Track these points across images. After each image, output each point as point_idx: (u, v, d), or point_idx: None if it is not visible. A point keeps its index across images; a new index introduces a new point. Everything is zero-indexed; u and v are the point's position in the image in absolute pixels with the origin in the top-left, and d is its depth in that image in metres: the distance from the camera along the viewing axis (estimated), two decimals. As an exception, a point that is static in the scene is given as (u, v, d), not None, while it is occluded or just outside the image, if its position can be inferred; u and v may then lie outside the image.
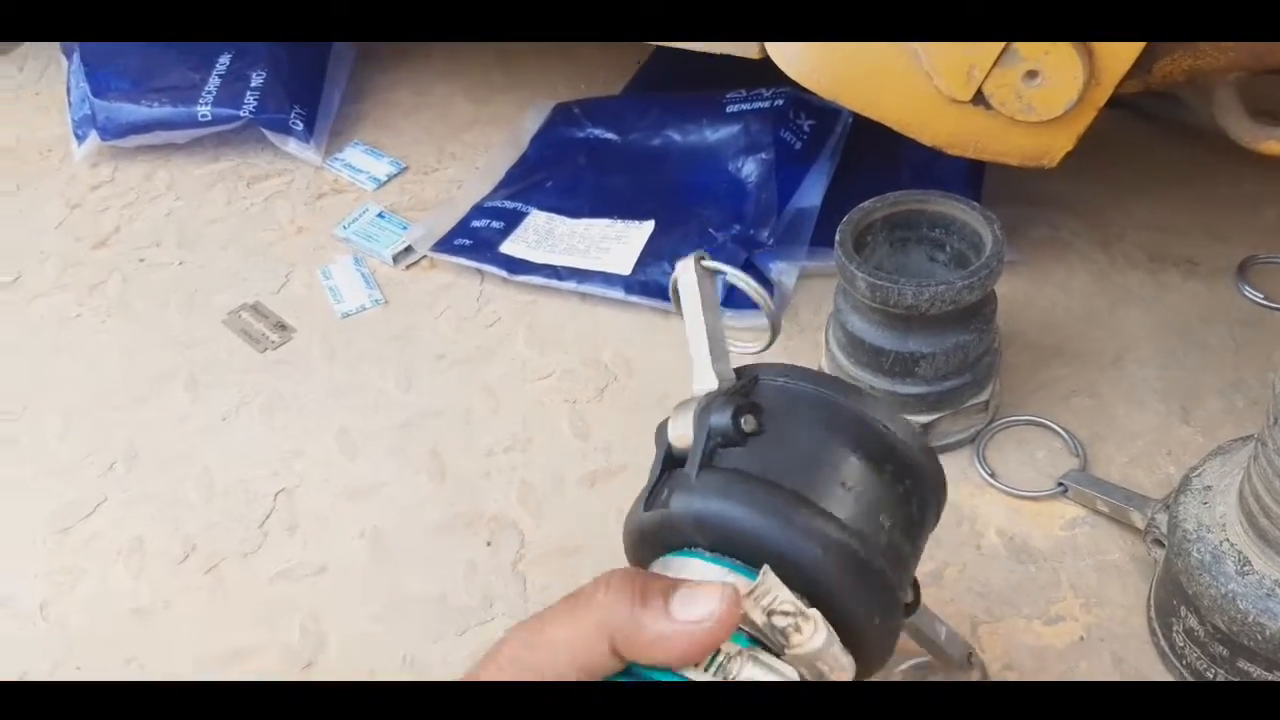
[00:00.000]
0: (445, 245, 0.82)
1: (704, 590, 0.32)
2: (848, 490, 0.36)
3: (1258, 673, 0.49)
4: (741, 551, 0.35)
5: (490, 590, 0.62)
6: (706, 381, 0.41)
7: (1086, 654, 0.56)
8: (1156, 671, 0.54)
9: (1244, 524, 0.48)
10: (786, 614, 0.33)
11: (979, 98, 0.64)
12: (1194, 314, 0.73)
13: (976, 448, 0.65)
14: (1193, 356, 0.70)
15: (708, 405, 0.38)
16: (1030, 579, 0.59)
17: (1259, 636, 0.47)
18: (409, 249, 0.83)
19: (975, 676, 0.42)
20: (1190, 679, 0.52)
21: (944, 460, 0.64)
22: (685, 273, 0.44)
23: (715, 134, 0.84)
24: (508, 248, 0.80)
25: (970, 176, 0.78)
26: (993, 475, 0.63)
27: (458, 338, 0.77)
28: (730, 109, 0.84)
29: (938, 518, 0.41)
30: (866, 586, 0.35)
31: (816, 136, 0.82)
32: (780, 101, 0.82)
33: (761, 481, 0.35)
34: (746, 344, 0.46)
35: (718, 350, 0.44)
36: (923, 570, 0.56)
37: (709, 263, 0.44)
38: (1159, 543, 0.54)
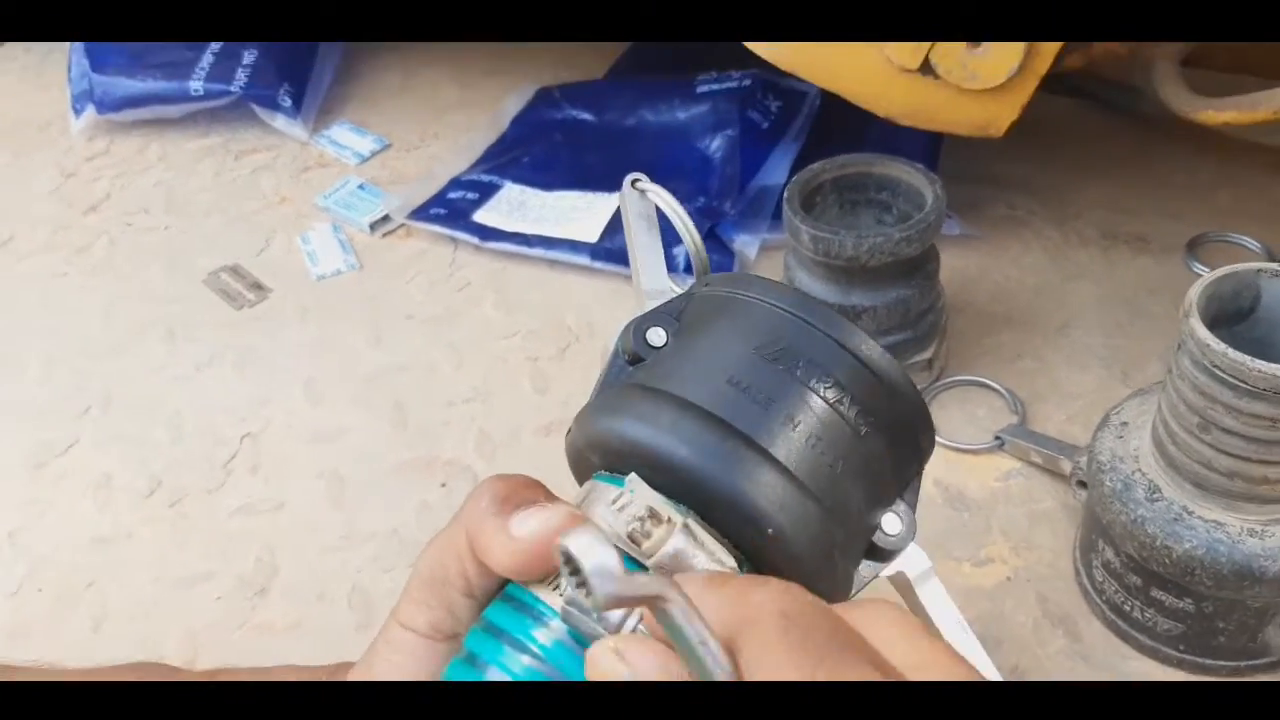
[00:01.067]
0: (421, 214, 0.84)
1: (541, 510, 0.31)
2: (737, 388, 0.31)
3: (1169, 600, 0.50)
4: (626, 464, 0.31)
5: (440, 526, 0.63)
6: (641, 304, 0.41)
7: (1012, 592, 0.57)
8: (1078, 608, 0.56)
9: (1155, 454, 0.50)
10: (640, 519, 0.30)
11: (926, 67, 0.66)
12: (1142, 287, 0.75)
13: (920, 404, 0.66)
14: (1137, 325, 0.72)
15: (626, 326, 0.35)
16: (963, 525, 0.61)
17: (1166, 560, 0.48)
18: (386, 218, 0.86)
19: None
20: (1109, 613, 0.54)
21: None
22: (623, 196, 0.44)
23: (685, 113, 0.86)
24: (480, 217, 0.83)
25: (929, 154, 0.80)
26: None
27: (427, 300, 0.80)
28: (700, 89, 0.86)
29: (903, 434, 0.33)
30: (753, 488, 0.30)
31: (783, 117, 0.85)
32: (748, 82, 0.85)
33: (641, 389, 0.32)
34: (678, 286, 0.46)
35: (650, 272, 0.43)
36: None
37: (643, 184, 0.43)
38: (1082, 484, 0.55)
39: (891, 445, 0.32)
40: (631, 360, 0.34)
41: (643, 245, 0.42)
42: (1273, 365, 0.43)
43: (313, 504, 0.66)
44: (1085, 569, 0.55)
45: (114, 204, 0.91)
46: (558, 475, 0.37)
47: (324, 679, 0.39)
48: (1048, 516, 0.60)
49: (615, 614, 0.28)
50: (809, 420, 0.31)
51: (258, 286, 0.81)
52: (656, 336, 0.33)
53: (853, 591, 0.33)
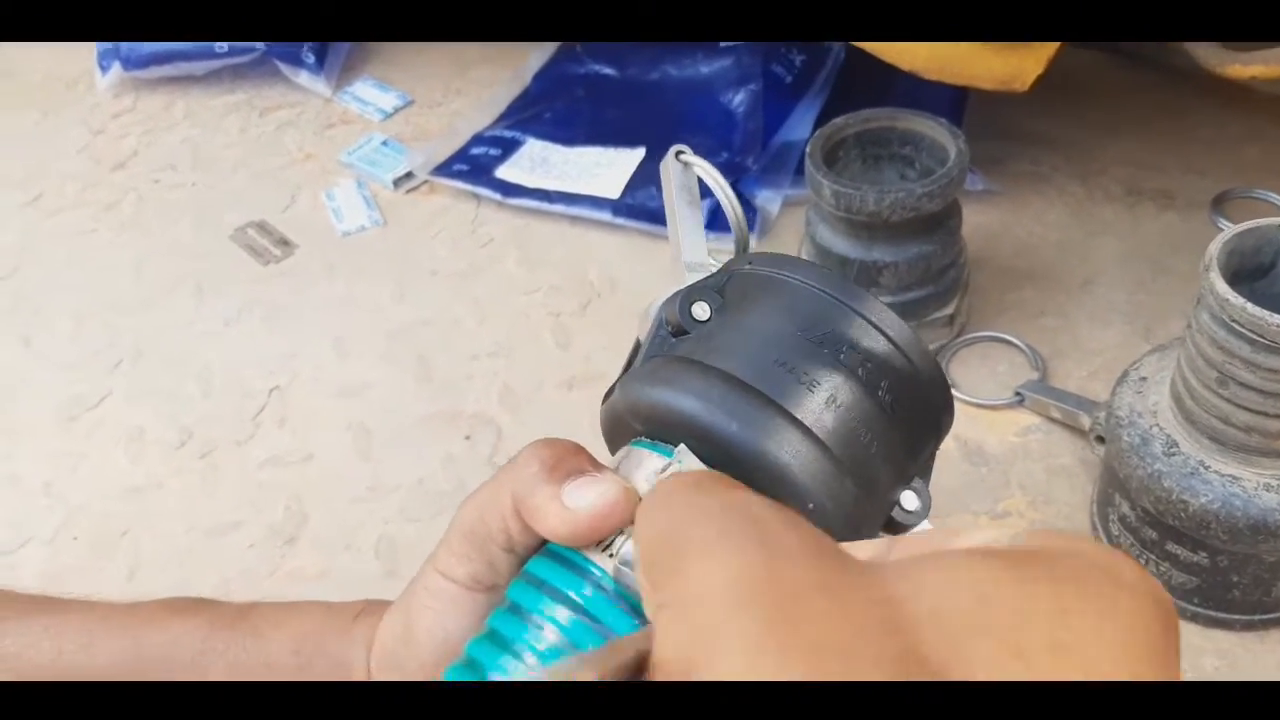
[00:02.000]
0: (444, 170, 0.85)
1: (595, 483, 0.32)
2: (784, 368, 0.33)
3: (1184, 554, 0.51)
4: (673, 434, 0.33)
5: (465, 478, 0.65)
6: (680, 276, 0.42)
7: (1029, 546, 0.57)
8: (1094, 561, 0.56)
9: (1174, 409, 0.50)
10: None
11: (951, 19, 0.66)
12: (1166, 244, 0.74)
13: (942, 360, 0.67)
14: (1160, 282, 0.71)
15: (668, 298, 0.36)
16: (981, 480, 0.61)
17: (1182, 514, 0.49)
18: (409, 174, 0.86)
19: None
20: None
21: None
22: (664, 168, 0.42)
23: (709, 67, 0.86)
24: (503, 173, 0.83)
25: (954, 109, 0.80)
26: (954, 386, 0.65)
27: (451, 256, 0.80)
28: (724, 44, 0.86)
29: (928, 415, 0.35)
30: (798, 463, 0.32)
31: (807, 71, 0.85)
32: (771, 36, 0.85)
33: (689, 363, 0.33)
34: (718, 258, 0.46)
35: (691, 244, 0.44)
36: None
37: (686, 156, 0.41)
38: (1100, 439, 0.55)
39: (916, 426, 0.34)
40: (675, 331, 0.35)
41: (684, 218, 0.41)
42: (1292, 320, 0.43)
43: (340, 455, 0.67)
44: (1102, 523, 0.56)
45: (141, 161, 0.92)
46: (580, 428, 0.38)
47: (355, 615, 0.40)
48: (1066, 471, 0.61)
49: None
50: (849, 402, 0.33)
51: (284, 242, 0.82)
52: (701, 310, 0.35)
53: None
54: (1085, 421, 0.59)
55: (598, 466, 0.33)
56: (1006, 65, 0.67)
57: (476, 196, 0.84)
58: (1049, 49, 0.66)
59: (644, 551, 0.25)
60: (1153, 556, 0.52)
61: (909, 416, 0.34)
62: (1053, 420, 0.63)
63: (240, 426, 0.69)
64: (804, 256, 0.69)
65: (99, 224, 0.86)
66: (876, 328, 0.34)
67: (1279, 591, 0.51)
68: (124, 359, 0.75)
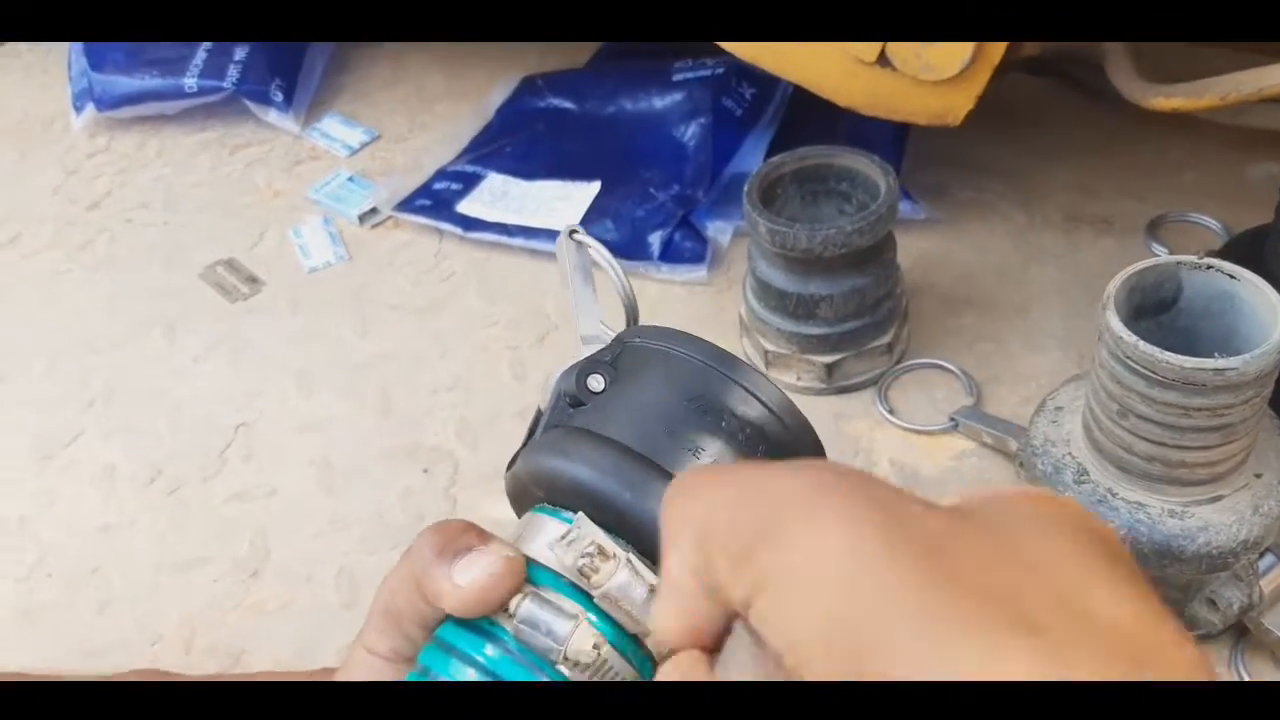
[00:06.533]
0: (407, 205, 0.87)
1: (480, 557, 0.35)
2: (671, 437, 0.36)
3: (1098, 577, 0.53)
4: (570, 501, 0.36)
5: (423, 510, 0.67)
6: (577, 348, 0.43)
7: (959, 568, 0.60)
8: (1019, 582, 0.59)
9: (1085, 438, 0.53)
10: (589, 554, 0.34)
11: (883, 59, 0.68)
12: (1103, 269, 0.76)
13: (880, 387, 0.69)
14: (1095, 308, 0.73)
15: (565, 371, 0.39)
16: (916, 503, 0.63)
17: (1092, 540, 0.51)
18: (374, 209, 0.89)
19: None
20: (1046, 588, 0.57)
21: (849, 399, 0.70)
22: (559, 246, 0.45)
23: (662, 101, 0.89)
24: (464, 207, 0.86)
25: (895, 142, 0.82)
26: (891, 412, 0.68)
27: (414, 290, 0.83)
28: (676, 78, 0.89)
29: None
30: None
31: (757, 104, 0.87)
32: (722, 70, 0.87)
33: (586, 434, 0.36)
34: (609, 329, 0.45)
35: (586, 318, 0.45)
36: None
37: (579, 236, 0.45)
38: (1023, 465, 0.58)
39: None
40: (573, 403, 0.38)
41: (580, 294, 0.45)
42: (1180, 358, 0.45)
43: (303, 490, 0.69)
44: (1026, 546, 0.58)
45: (115, 200, 0.94)
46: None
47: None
48: (996, 495, 0.63)
49: (563, 628, 0.33)
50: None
51: (252, 280, 0.85)
52: (596, 383, 0.38)
53: None
54: (1014, 446, 0.62)
55: (485, 540, 0.36)
56: (940, 101, 0.70)
57: (439, 231, 0.86)
58: (977, 85, 0.69)
59: (694, 542, 0.26)
60: (1071, 578, 0.55)
61: None
62: (985, 445, 0.65)
63: (207, 463, 0.72)
64: (747, 288, 0.71)
65: (73, 264, 0.89)
66: (754, 395, 0.37)
67: (1191, 612, 0.53)
68: (96, 397, 0.77)
